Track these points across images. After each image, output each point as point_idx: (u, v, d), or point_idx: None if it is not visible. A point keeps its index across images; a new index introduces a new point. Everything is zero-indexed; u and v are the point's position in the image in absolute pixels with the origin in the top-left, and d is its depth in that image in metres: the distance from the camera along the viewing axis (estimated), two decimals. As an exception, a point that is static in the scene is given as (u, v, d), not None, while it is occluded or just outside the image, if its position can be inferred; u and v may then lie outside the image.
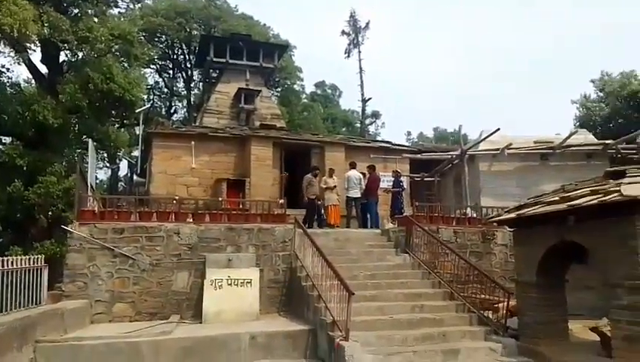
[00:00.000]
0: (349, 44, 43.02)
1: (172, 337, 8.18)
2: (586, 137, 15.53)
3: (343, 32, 43.31)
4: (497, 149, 14.46)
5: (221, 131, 17.19)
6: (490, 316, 11.10)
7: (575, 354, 8.37)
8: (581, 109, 18.85)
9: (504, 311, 9.16)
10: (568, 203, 7.72)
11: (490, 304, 11.67)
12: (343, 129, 45.30)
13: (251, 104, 23.52)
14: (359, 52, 42.40)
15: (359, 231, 13.33)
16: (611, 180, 7.93)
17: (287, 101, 38.83)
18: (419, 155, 16.59)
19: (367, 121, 47.61)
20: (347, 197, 14.37)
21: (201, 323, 9.66)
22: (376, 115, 49.85)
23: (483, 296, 11.97)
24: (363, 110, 44.29)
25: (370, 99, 43.43)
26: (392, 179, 14.35)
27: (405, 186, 14.58)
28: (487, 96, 79.48)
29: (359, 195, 14.31)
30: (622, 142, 14.27)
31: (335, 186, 14.71)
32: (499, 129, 13.38)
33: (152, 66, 34.19)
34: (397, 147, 17.68)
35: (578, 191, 8.11)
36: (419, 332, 8.31)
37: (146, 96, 29.33)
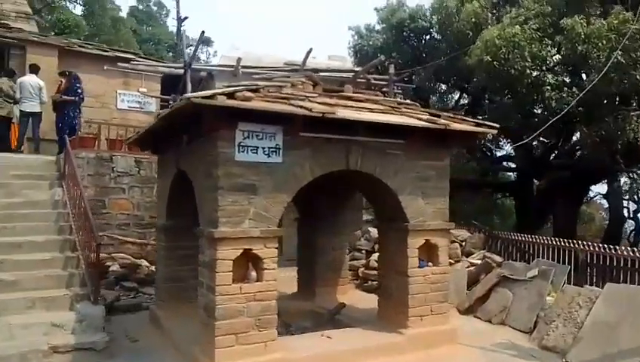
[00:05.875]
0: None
1: None
2: (343, 64, 13.82)
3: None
4: (233, 67, 11.83)
5: None
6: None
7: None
8: (355, 37, 17.20)
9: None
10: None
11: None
12: (170, 54, 39.92)
13: (-20, -7, 17.90)
14: (173, -39, 36.73)
15: (23, 158, 9.90)
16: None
17: (94, 13, 32.24)
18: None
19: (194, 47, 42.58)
20: (20, 111, 10.71)
21: None
22: (206, 41, 44.85)
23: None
24: (178, 30, 39.30)
25: (186, 18, 38.50)
26: (77, 85, 10.79)
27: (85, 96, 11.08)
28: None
29: (38, 110, 10.73)
30: (367, 70, 12.66)
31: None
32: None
33: None
34: (135, 57, 14.20)
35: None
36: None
37: None
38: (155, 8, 43.90)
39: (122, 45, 31.32)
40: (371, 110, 5.42)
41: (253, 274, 4.84)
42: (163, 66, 12.90)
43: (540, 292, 6.82)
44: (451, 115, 5.86)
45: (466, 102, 16.58)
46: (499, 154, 18.40)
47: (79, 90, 10.58)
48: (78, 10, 30.02)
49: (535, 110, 10.51)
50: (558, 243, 7.85)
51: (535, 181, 16.62)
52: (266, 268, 4.84)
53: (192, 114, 4.59)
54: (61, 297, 6.06)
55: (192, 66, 11.94)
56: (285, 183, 4.92)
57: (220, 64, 12.13)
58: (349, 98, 5.71)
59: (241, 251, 4.71)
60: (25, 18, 19.41)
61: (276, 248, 4.93)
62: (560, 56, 9.48)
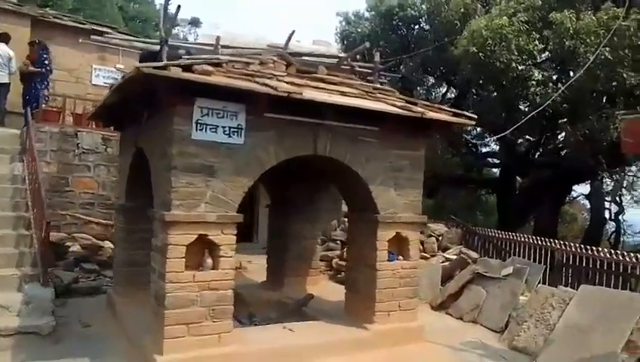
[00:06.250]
0: None
1: None
2: (328, 49, 13.41)
3: None
4: (212, 45, 11.38)
5: None
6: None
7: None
8: (343, 24, 16.78)
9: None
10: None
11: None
12: (157, 33, 38.84)
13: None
14: None
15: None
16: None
17: None
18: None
19: (184, 27, 41.58)
20: (-10, 82, 10.18)
21: None
22: (195, 22, 43.79)
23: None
24: (165, 9, 38.39)
25: (173, -3, 37.57)
26: (44, 56, 10.30)
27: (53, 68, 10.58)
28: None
29: (7, 80, 10.23)
30: (351, 57, 12.30)
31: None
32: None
33: None
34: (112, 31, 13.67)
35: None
36: None
37: None
38: (142, -15, 42.71)
39: (107, 22, 30.42)
40: (343, 93, 5.11)
41: (209, 261, 4.54)
42: (138, 41, 12.33)
43: (513, 291, 6.61)
44: (428, 104, 5.60)
45: (453, 96, 16.33)
46: (484, 150, 18.23)
47: (46, 62, 10.09)
48: (62, -17, 29.00)
49: (520, 105, 10.27)
50: (535, 241, 7.67)
51: (518, 179, 16.49)
52: (222, 256, 4.54)
53: (146, 87, 4.24)
54: (9, 277, 5.71)
55: (170, 43, 11.46)
56: (247, 166, 4.60)
57: (200, 42, 11.65)
58: (322, 80, 5.41)
59: (195, 236, 4.40)
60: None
61: (234, 235, 4.62)
62: (548, 52, 9.23)
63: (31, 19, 13.05)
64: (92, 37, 11.89)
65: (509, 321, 6.33)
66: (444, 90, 16.89)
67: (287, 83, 4.71)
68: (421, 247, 9.10)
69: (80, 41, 13.66)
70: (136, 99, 4.79)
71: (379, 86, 6.10)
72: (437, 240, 9.26)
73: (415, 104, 5.51)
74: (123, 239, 6.30)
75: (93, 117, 6.64)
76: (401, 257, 5.70)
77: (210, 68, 4.23)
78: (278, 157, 4.76)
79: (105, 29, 14.51)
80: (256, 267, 9.09)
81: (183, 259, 4.36)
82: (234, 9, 64.76)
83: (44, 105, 9.50)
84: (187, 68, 4.11)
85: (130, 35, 15.70)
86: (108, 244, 8.44)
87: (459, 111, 5.58)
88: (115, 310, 6.07)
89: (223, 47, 11.56)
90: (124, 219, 6.28)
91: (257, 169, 4.66)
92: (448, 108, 5.60)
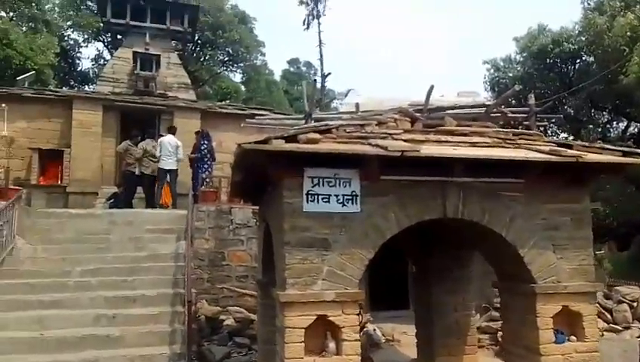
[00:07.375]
0: (308, 15, 39.68)
1: None
2: (474, 99, 12.56)
3: (301, 1, 39.99)
4: (352, 112, 11.50)
5: (45, 92, 14.45)
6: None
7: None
8: (492, 71, 15.74)
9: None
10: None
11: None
12: (317, 109, 42.17)
13: (150, 70, 20.77)
14: (319, 23, 38.94)
15: (160, 213, 10.60)
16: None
17: (251, 78, 35.81)
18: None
19: (342, 100, 44.32)
20: (159, 168, 11.60)
21: None
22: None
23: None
24: (322, 86, 41.25)
25: (329, 74, 40.27)
26: (202, 142, 11.38)
27: (213, 149, 11.48)
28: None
29: (175, 167, 11.56)
30: (500, 103, 11.25)
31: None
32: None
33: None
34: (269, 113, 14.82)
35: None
36: (50, 358, 5.69)
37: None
38: (304, 69, 46.88)
39: (275, 105, 33.63)
40: (474, 144, 4.45)
41: (332, 345, 4.09)
42: (288, 119, 13.16)
43: None
44: (586, 145, 4.58)
45: (636, 130, 13.95)
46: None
47: (202, 147, 11.16)
48: (238, 77, 33.30)
49: None
50: None
51: None
52: (345, 339, 4.05)
53: (257, 162, 4.16)
54: (159, 356, 5.95)
55: (314, 116, 11.89)
56: (364, 237, 4.15)
57: (340, 111, 11.89)
58: (449, 132, 4.81)
59: (314, 318, 4.01)
60: (185, 88, 21.74)
61: (357, 314, 4.14)
62: None
63: (200, 112, 14.92)
64: (246, 120, 13.05)
65: None
66: (624, 125, 14.57)
67: (404, 140, 4.25)
68: (609, 317, 7.47)
69: (242, 125, 15.06)
70: (255, 174, 4.76)
71: (520, 130, 5.26)
72: (630, 307, 7.49)
73: (570, 147, 4.55)
74: (261, 314, 6.23)
75: (232, 195, 6.92)
76: (573, 337, 4.54)
77: (316, 135, 4.00)
78: (400, 225, 4.22)
79: (261, 112, 15.88)
80: (411, 339, 8.30)
81: (303, 344, 3.98)
82: (384, 75, 67.25)
83: (203, 187, 10.41)
84: (292, 138, 3.94)
85: (286, 114, 16.93)
86: (259, 317, 8.56)
87: (630, 150, 4.44)
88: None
89: (364, 112, 11.60)
90: (262, 294, 6.24)
91: (377, 239, 4.18)
92: (613, 148, 4.49)
